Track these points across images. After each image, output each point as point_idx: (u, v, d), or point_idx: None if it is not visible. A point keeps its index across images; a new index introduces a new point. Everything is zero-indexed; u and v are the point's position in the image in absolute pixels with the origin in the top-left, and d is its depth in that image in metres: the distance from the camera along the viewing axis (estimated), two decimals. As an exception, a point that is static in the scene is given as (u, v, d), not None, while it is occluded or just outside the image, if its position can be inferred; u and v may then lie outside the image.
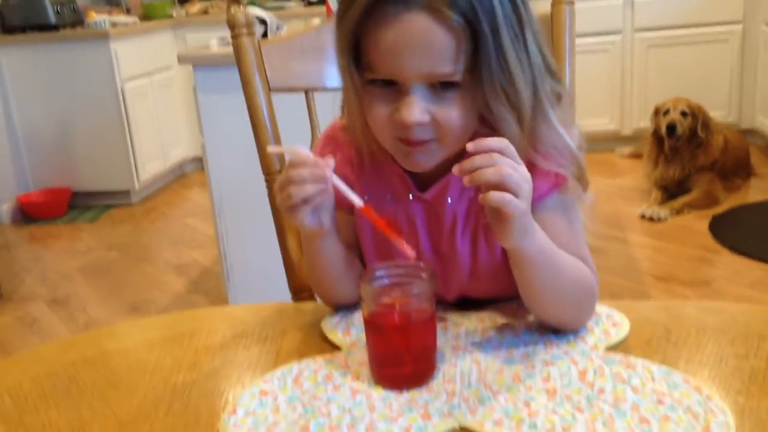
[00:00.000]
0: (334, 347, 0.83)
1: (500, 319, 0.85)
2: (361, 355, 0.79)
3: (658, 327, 0.81)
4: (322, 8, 3.02)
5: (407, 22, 0.72)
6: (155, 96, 4.34)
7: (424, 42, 0.73)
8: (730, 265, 2.78)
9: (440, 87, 0.76)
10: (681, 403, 0.67)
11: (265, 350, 0.84)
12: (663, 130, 3.42)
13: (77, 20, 4.24)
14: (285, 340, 0.86)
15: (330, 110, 0.93)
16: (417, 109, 0.75)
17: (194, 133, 4.31)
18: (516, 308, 0.87)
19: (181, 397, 0.75)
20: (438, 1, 0.71)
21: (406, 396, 0.71)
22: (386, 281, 0.75)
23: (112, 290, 3.05)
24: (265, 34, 2.18)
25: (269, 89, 1.12)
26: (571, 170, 0.82)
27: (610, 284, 2.64)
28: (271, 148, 1.01)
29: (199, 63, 2.27)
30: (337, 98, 0.90)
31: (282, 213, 0.80)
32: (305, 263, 0.91)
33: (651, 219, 3.26)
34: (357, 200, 0.78)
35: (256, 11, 2.29)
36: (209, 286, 2.98)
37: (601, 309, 0.85)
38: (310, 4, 4.65)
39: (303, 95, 1.16)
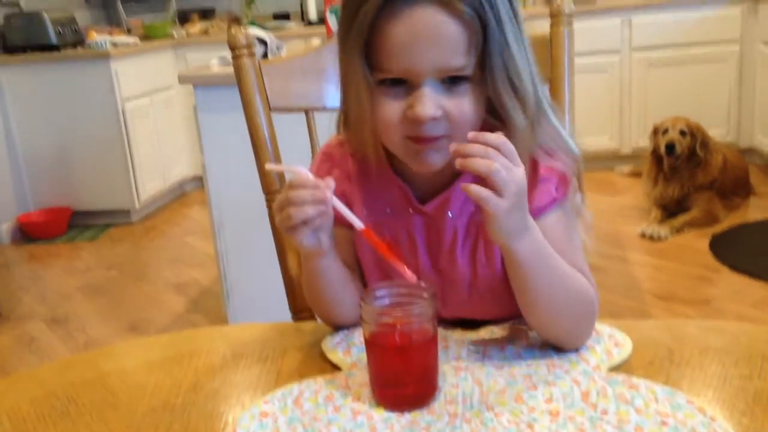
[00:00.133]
0: (335, 367, 0.82)
1: (502, 339, 0.85)
2: (361, 376, 0.78)
3: (660, 347, 0.81)
4: (322, 28, 3.04)
5: (419, 17, 0.73)
6: (155, 115, 4.35)
7: (436, 35, 0.74)
8: (731, 284, 2.77)
9: (450, 82, 0.77)
10: (685, 424, 0.66)
11: (265, 371, 0.83)
12: (662, 149, 3.43)
13: (78, 40, 4.27)
14: (285, 360, 0.85)
15: (329, 130, 0.93)
16: (431, 104, 0.76)
17: (194, 152, 4.32)
18: (517, 328, 0.86)
19: (180, 418, 0.75)
20: None
21: (407, 417, 0.71)
22: (387, 301, 0.75)
23: (111, 309, 3.04)
24: (265, 55, 2.19)
25: (270, 109, 1.12)
26: (572, 168, 0.83)
27: (611, 303, 2.63)
28: (271, 166, 1.01)
29: (200, 83, 2.28)
30: (335, 118, 0.91)
31: (281, 233, 0.80)
32: (304, 283, 0.91)
33: (651, 238, 3.26)
34: (357, 222, 0.78)
35: (256, 32, 2.30)
36: (209, 306, 2.97)
37: (603, 329, 0.85)
38: (310, 24, 4.68)
39: (303, 115, 1.17)
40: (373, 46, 0.76)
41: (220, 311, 2.68)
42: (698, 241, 3.19)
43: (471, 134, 0.72)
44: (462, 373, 0.78)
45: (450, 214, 0.87)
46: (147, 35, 4.77)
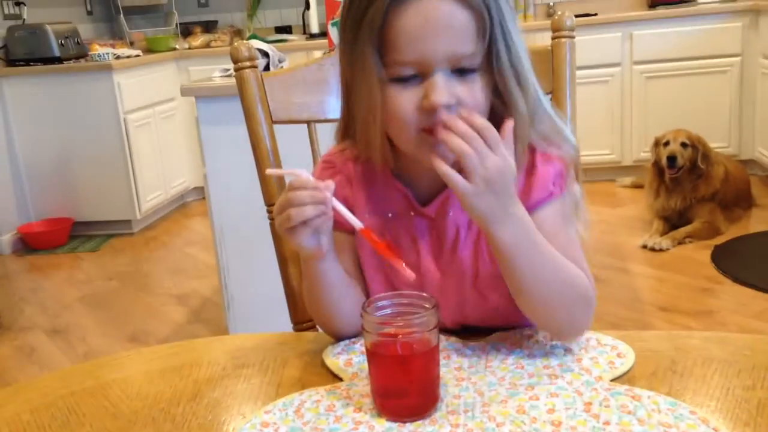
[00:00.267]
0: (336, 377, 0.82)
1: (503, 349, 0.85)
2: (363, 386, 0.78)
3: (663, 358, 0.81)
4: (324, 41, 3.06)
5: (430, 6, 0.76)
6: (157, 127, 4.37)
7: (448, 23, 0.76)
8: (733, 295, 2.77)
9: (459, 72, 0.78)
10: (688, 435, 0.66)
11: (266, 381, 0.83)
12: (663, 161, 3.43)
13: (81, 53, 4.29)
14: (286, 370, 0.85)
15: (331, 141, 0.94)
16: (445, 91, 0.77)
17: (196, 164, 4.33)
18: (519, 338, 0.86)
19: (181, 428, 0.75)
20: None
21: (409, 427, 0.71)
22: (389, 311, 0.75)
23: (112, 320, 3.04)
24: (267, 67, 2.19)
25: (272, 121, 1.13)
26: (570, 156, 0.85)
27: (613, 314, 2.62)
28: (271, 171, 1.02)
29: (202, 95, 2.29)
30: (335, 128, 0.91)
31: (281, 235, 0.81)
32: (305, 291, 0.91)
33: (653, 249, 3.26)
34: (357, 223, 0.79)
35: (258, 44, 2.31)
36: (210, 316, 2.97)
37: (606, 340, 0.84)
38: (312, 37, 4.70)
39: (305, 127, 1.17)
40: (385, 41, 0.78)
41: (221, 322, 2.68)
42: (700, 253, 3.19)
43: (464, 111, 0.74)
44: (464, 383, 0.78)
45: (451, 213, 0.87)
46: (150, 48, 4.80)
